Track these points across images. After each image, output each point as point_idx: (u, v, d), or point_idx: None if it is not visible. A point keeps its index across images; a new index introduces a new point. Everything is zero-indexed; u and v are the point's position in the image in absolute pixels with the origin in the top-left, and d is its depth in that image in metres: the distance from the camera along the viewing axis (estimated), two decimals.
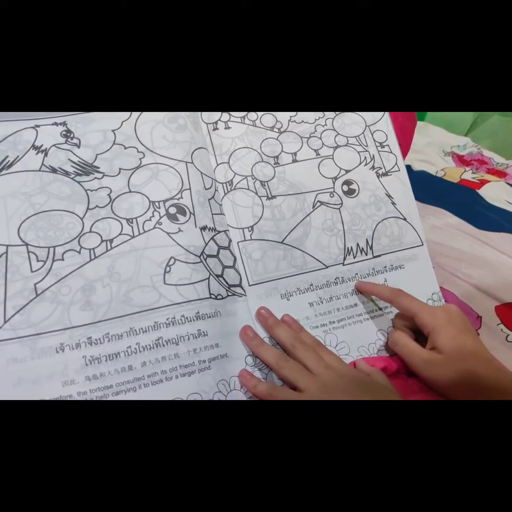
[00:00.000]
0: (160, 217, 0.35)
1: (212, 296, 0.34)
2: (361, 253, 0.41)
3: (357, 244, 0.41)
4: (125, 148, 0.37)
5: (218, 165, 0.40)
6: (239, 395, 0.33)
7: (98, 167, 0.35)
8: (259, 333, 0.35)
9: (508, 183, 0.62)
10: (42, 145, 0.35)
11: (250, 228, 0.39)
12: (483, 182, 0.62)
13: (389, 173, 0.44)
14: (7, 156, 0.34)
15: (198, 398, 0.32)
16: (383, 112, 0.46)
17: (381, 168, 0.44)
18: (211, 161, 0.40)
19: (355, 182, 0.43)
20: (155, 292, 0.33)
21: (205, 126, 0.41)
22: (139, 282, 0.33)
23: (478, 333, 0.42)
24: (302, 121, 0.44)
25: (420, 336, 0.37)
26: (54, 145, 0.35)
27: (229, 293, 0.36)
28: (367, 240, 0.42)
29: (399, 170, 0.45)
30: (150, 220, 0.35)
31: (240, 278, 0.37)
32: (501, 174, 0.69)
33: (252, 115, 0.43)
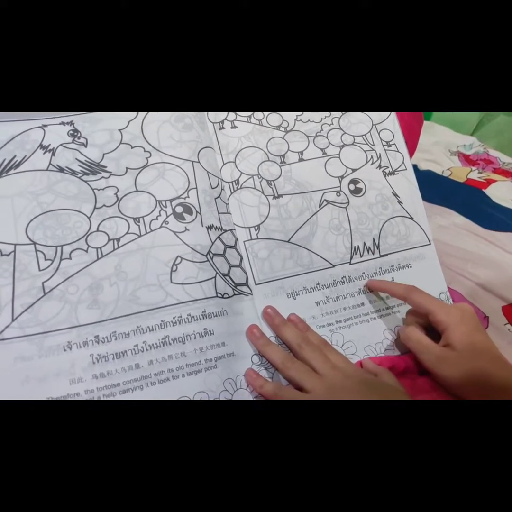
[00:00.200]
0: (167, 216, 0.35)
1: (219, 295, 0.34)
2: (368, 252, 0.41)
3: (364, 243, 0.41)
4: (132, 147, 0.37)
5: (224, 164, 0.40)
6: (246, 394, 0.33)
7: (105, 167, 0.36)
8: (266, 332, 0.35)
9: None
10: (49, 145, 0.35)
11: (256, 227, 0.39)
12: (489, 182, 0.62)
13: (395, 172, 0.44)
14: (15, 156, 0.34)
15: (204, 396, 0.32)
16: (389, 112, 0.46)
17: (387, 167, 0.44)
18: (217, 160, 0.40)
19: (361, 181, 0.43)
20: (161, 291, 0.33)
21: (212, 125, 0.41)
22: (146, 281, 0.33)
23: None
24: (309, 120, 0.44)
25: (431, 334, 0.37)
26: (61, 144, 0.35)
27: (236, 292, 0.36)
28: (374, 239, 0.41)
29: (406, 169, 0.45)
30: (156, 219, 0.35)
31: (247, 277, 0.37)
32: (507, 173, 0.68)
33: (258, 114, 0.42)
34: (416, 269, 0.42)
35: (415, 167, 0.46)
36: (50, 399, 0.29)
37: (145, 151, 0.37)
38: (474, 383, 0.32)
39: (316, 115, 0.44)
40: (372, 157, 0.44)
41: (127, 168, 0.36)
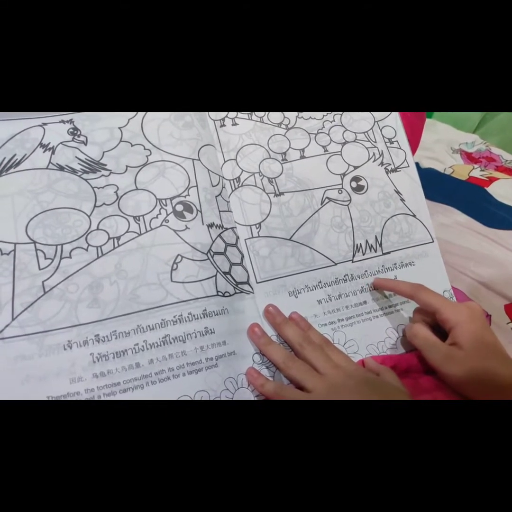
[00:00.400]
0: (167, 215, 0.35)
1: (219, 293, 0.34)
2: (370, 250, 0.41)
3: (366, 241, 0.41)
4: (132, 145, 0.37)
5: (225, 162, 0.40)
6: (247, 393, 0.33)
7: (105, 165, 0.35)
8: (267, 331, 0.35)
9: None
10: (49, 143, 0.35)
11: (257, 225, 0.38)
12: (491, 180, 0.61)
13: (398, 169, 0.44)
14: (15, 155, 0.34)
15: (205, 395, 0.31)
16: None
17: (390, 164, 0.44)
18: (218, 158, 0.40)
19: (363, 178, 0.43)
20: (162, 290, 0.33)
21: (212, 123, 0.41)
22: (146, 279, 0.33)
23: None
24: (310, 117, 0.43)
25: (437, 332, 0.36)
26: (61, 143, 0.35)
27: (237, 291, 0.35)
28: (376, 236, 0.41)
29: (408, 166, 0.44)
30: (157, 217, 0.35)
31: (248, 275, 0.37)
32: (510, 171, 0.68)
33: (260, 111, 0.42)
34: (419, 267, 0.42)
35: (417, 165, 0.46)
36: (50, 398, 0.29)
37: (145, 149, 0.37)
38: (480, 382, 0.32)
39: (318, 112, 0.44)
40: (374, 154, 0.44)
41: (127, 166, 0.36)
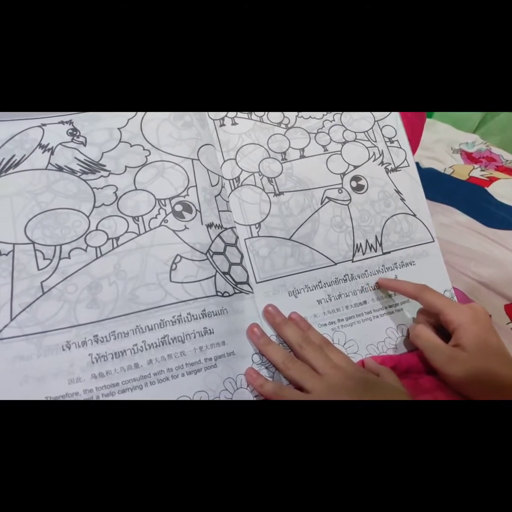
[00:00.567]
0: (166, 215, 0.35)
1: (219, 293, 0.34)
2: (371, 250, 0.41)
3: (366, 241, 0.41)
4: (131, 146, 0.36)
5: (225, 161, 0.40)
6: (246, 394, 0.33)
7: (104, 165, 0.35)
8: (267, 331, 0.35)
9: None
10: (48, 144, 0.35)
11: (257, 225, 0.38)
12: (492, 180, 0.61)
13: (398, 169, 0.44)
14: (14, 155, 0.34)
15: (204, 396, 0.31)
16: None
17: (390, 164, 0.44)
18: (217, 157, 0.39)
19: (363, 177, 0.42)
20: (161, 290, 0.33)
21: (212, 123, 0.41)
22: (145, 280, 0.33)
23: None
24: (310, 116, 0.43)
25: (441, 333, 0.36)
26: (60, 143, 0.35)
27: (236, 291, 0.35)
28: (376, 236, 0.41)
29: (408, 166, 0.44)
30: (156, 217, 0.35)
31: (247, 275, 0.37)
32: (510, 171, 0.68)
33: (259, 111, 0.42)
34: (420, 267, 0.42)
35: (417, 165, 0.46)
36: (49, 398, 0.29)
37: (144, 149, 0.37)
38: (483, 383, 0.32)
39: (318, 112, 0.44)
40: (374, 153, 0.44)
41: (126, 167, 0.36)
